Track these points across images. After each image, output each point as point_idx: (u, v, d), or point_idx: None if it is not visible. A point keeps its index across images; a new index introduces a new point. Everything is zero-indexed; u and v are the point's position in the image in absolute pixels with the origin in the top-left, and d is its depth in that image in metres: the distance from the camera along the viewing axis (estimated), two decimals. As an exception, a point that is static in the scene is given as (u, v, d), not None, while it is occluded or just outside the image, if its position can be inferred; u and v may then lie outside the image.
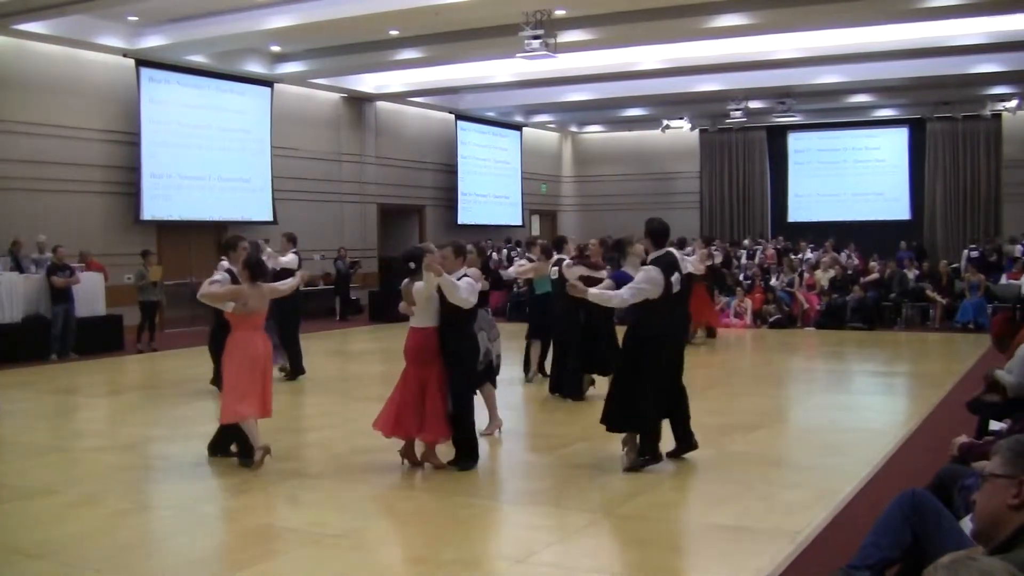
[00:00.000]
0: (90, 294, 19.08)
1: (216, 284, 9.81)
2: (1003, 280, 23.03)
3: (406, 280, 9.03)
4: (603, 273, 12.40)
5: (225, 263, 13.27)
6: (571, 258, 12.95)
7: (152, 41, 20.76)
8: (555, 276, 13.00)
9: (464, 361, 9.14)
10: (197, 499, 8.26)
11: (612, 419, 8.96)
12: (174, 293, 21.93)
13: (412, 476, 8.82)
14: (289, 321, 14.75)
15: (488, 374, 10.17)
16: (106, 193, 21.52)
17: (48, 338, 17.79)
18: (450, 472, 8.90)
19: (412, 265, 8.95)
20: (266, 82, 24.49)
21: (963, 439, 6.55)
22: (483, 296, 10.11)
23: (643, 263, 9.36)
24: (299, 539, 7.05)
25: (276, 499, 8.29)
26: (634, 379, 8.81)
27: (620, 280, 9.11)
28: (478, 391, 9.90)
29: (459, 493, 8.35)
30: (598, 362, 12.62)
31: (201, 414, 12.40)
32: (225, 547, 7.03)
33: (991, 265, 24.51)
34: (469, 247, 10.10)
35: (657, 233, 9.18)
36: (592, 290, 8.75)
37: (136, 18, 19.98)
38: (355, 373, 17.30)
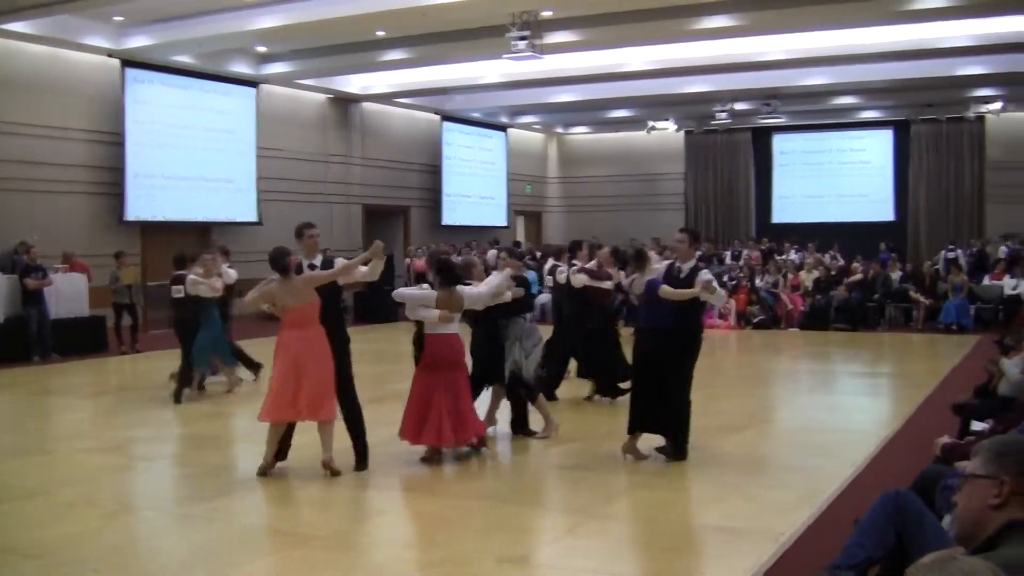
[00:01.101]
0: (74, 295, 19.00)
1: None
2: (986, 281, 23.15)
3: (441, 289, 9.15)
4: (608, 284, 12.41)
5: (188, 274, 13.42)
6: (579, 267, 12.88)
7: (137, 41, 20.73)
8: (563, 281, 12.94)
9: None
10: (185, 499, 8.28)
11: (658, 422, 9.20)
12: (157, 294, 21.84)
13: (402, 477, 8.83)
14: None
15: (520, 384, 10.24)
16: (90, 193, 21.47)
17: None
18: (437, 472, 8.93)
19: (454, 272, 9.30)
20: (252, 83, 24.47)
21: (946, 439, 6.60)
22: (520, 303, 10.27)
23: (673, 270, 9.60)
24: (289, 540, 7.06)
25: (265, 500, 8.28)
26: (683, 379, 9.18)
27: (653, 287, 9.26)
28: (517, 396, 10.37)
29: (448, 494, 8.38)
30: (597, 367, 12.66)
31: (184, 415, 12.41)
32: (215, 548, 7.00)
33: (979, 265, 24.69)
34: (502, 253, 10.35)
35: (699, 241, 9.74)
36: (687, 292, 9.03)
37: (121, 18, 19.96)
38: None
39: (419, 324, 9.41)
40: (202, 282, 13.50)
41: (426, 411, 9.04)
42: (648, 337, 9.28)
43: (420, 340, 9.42)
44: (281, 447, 8.87)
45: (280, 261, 8.67)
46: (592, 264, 12.69)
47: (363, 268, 8.94)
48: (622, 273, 11.64)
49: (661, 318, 9.15)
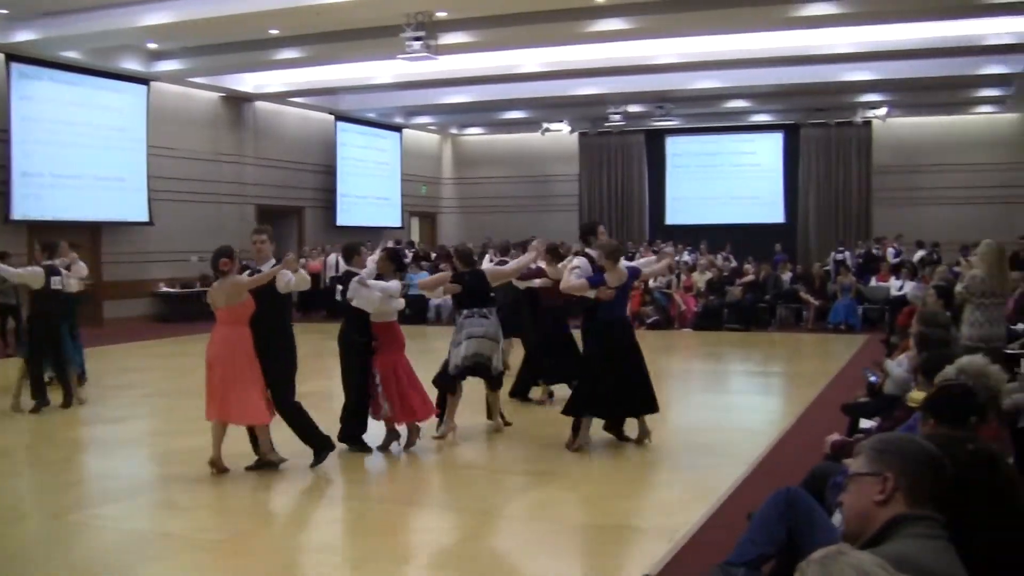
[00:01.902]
0: (-43, 297, 18.51)
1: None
2: (873, 282, 23.64)
3: (397, 277, 9.95)
4: (543, 281, 12.32)
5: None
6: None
7: (23, 36, 20.20)
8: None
9: None
10: (74, 506, 8.09)
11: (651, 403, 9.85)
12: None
13: (298, 479, 8.74)
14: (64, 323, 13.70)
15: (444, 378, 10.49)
16: (-26, 192, 20.93)
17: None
18: (334, 475, 8.87)
19: None
20: (143, 80, 24.03)
21: (835, 437, 6.71)
22: (458, 300, 10.56)
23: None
24: (179, 545, 6.96)
25: (153, 504, 8.16)
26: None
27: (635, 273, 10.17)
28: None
29: (347, 496, 8.35)
30: (555, 372, 12.52)
31: (69, 419, 12.13)
32: (106, 555, 6.86)
33: (867, 267, 25.26)
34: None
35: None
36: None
37: (6, 11, 19.42)
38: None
39: (359, 315, 9.61)
40: (73, 276, 13.21)
41: (414, 388, 9.69)
42: (622, 327, 9.87)
43: (364, 330, 9.65)
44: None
45: (213, 260, 8.89)
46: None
47: (292, 277, 8.91)
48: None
49: (624, 308, 9.98)
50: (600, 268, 9.73)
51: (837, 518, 4.92)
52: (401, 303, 9.79)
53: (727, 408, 13.11)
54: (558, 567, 6.61)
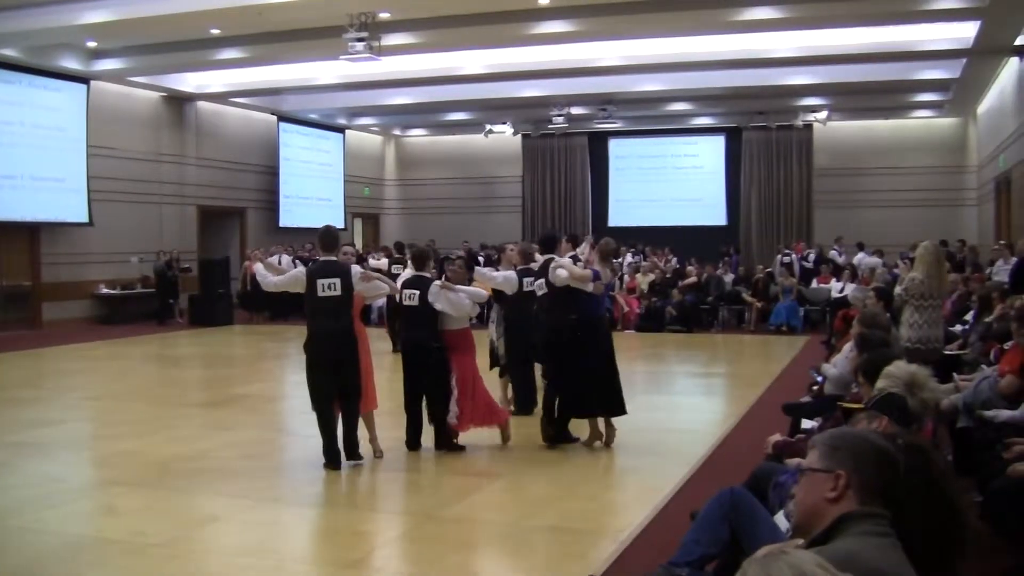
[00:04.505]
0: None
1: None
2: (814, 284, 23.85)
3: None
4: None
5: None
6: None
7: (-42, 34, 19.96)
8: None
9: None
10: (9, 512, 7.93)
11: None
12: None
13: (235, 482, 8.67)
14: None
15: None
16: (-91, 192, 20.59)
17: None
18: (271, 479, 8.80)
19: None
20: (82, 79, 23.74)
21: (777, 437, 6.76)
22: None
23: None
24: (119, 550, 6.86)
25: (93, 509, 8.06)
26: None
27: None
28: None
29: (282, 499, 8.27)
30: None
31: (10, 423, 11.94)
32: (45, 560, 6.73)
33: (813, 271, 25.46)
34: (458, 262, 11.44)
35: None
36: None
37: (-59, 9, 19.18)
38: (175, 378, 16.89)
39: (432, 321, 9.71)
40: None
41: (484, 394, 9.98)
42: (604, 325, 10.78)
43: (439, 336, 9.74)
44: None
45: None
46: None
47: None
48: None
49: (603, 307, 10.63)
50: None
51: (780, 517, 4.96)
52: (478, 308, 10.10)
53: (670, 409, 13.15)
54: (501, 568, 6.60)
